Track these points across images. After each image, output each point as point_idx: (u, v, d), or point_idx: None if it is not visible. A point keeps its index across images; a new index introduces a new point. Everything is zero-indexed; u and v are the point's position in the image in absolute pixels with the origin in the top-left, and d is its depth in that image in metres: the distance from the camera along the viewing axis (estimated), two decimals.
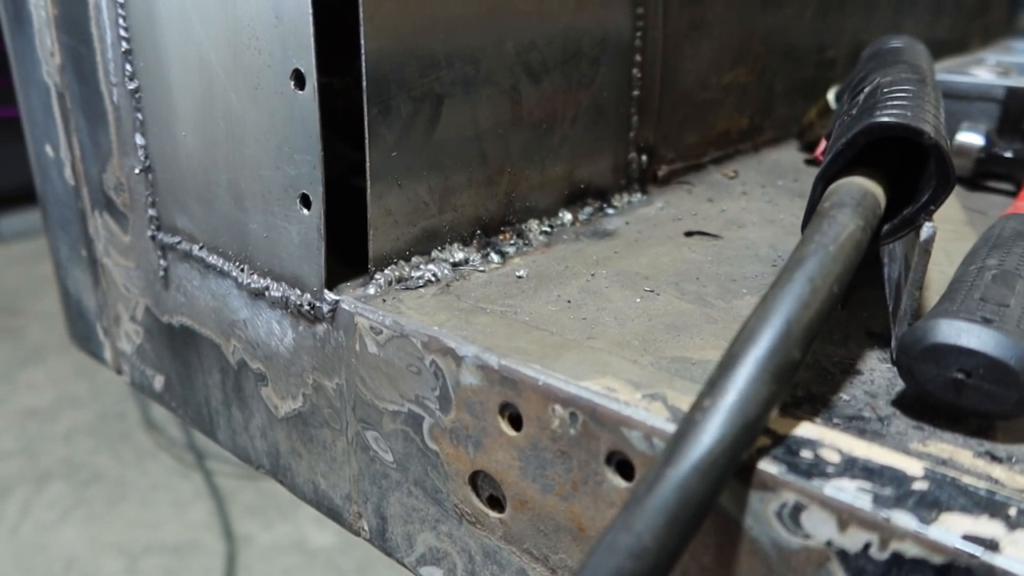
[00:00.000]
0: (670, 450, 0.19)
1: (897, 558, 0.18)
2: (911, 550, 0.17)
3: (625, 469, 0.23)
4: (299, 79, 0.28)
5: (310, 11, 0.27)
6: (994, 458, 0.20)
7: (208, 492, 1.82)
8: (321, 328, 0.30)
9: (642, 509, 0.18)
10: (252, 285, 0.33)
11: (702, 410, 0.19)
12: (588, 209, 0.39)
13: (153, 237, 0.38)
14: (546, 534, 0.25)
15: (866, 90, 0.30)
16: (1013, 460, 0.20)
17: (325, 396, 0.31)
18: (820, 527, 0.19)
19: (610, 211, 0.40)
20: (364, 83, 0.28)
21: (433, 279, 0.31)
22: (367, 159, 0.29)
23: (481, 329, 0.27)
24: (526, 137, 0.35)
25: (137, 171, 0.37)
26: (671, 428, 0.21)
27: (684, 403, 0.22)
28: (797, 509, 0.19)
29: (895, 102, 0.26)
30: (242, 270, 0.33)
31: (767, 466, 0.20)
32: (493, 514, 0.27)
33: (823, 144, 0.40)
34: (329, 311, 0.30)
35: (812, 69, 0.58)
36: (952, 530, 0.17)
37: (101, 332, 0.45)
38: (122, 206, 0.39)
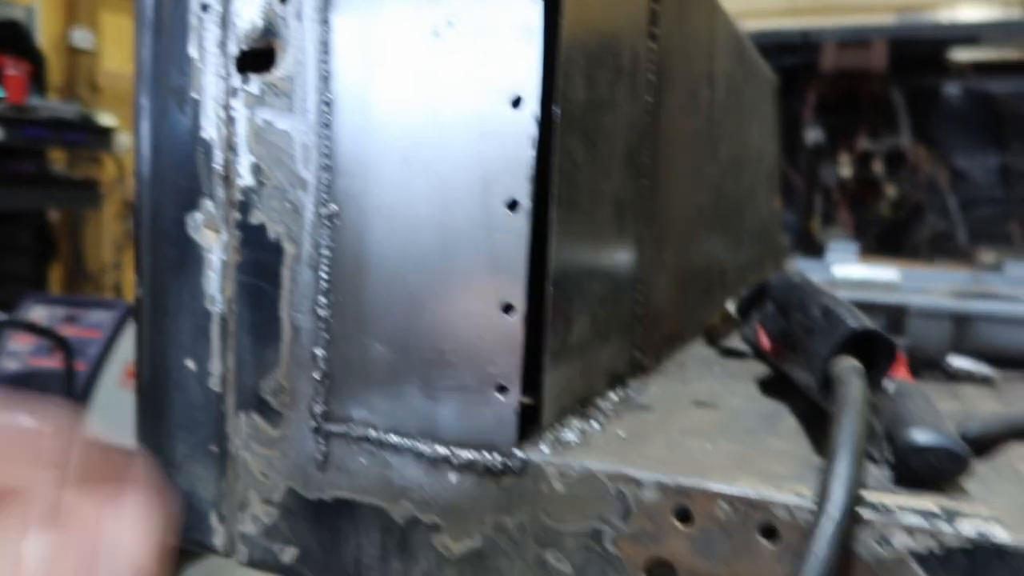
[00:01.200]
0: (818, 516, 0.34)
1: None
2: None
3: (770, 534, 0.38)
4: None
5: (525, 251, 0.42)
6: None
7: None
8: (508, 480, 0.43)
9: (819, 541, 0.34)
10: (435, 457, 0.45)
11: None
12: (622, 391, 0.56)
13: (317, 429, 0.48)
14: None
15: (815, 312, 0.50)
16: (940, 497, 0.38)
17: (505, 531, 0.43)
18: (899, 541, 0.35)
19: (632, 391, 0.57)
20: (549, 303, 0.43)
21: (577, 439, 0.45)
22: (543, 375, 0.44)
23: (648, 458, 0.41)
24: (580, 353, 0.51)
25: (317, 378, 0.48)
26: (802, 503, 0.37)
27: (804, 490, 0.38)
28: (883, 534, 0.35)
29: (852, 315, 0.45)
30: (426, 445, 0.45)
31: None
32: None
33: (764, 337, 0.60)
34: (519, 466, 0.43)
35: (705, 282, 0.81)
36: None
37: (215, 519, 0.53)
38: (279, 406, 0.49)
